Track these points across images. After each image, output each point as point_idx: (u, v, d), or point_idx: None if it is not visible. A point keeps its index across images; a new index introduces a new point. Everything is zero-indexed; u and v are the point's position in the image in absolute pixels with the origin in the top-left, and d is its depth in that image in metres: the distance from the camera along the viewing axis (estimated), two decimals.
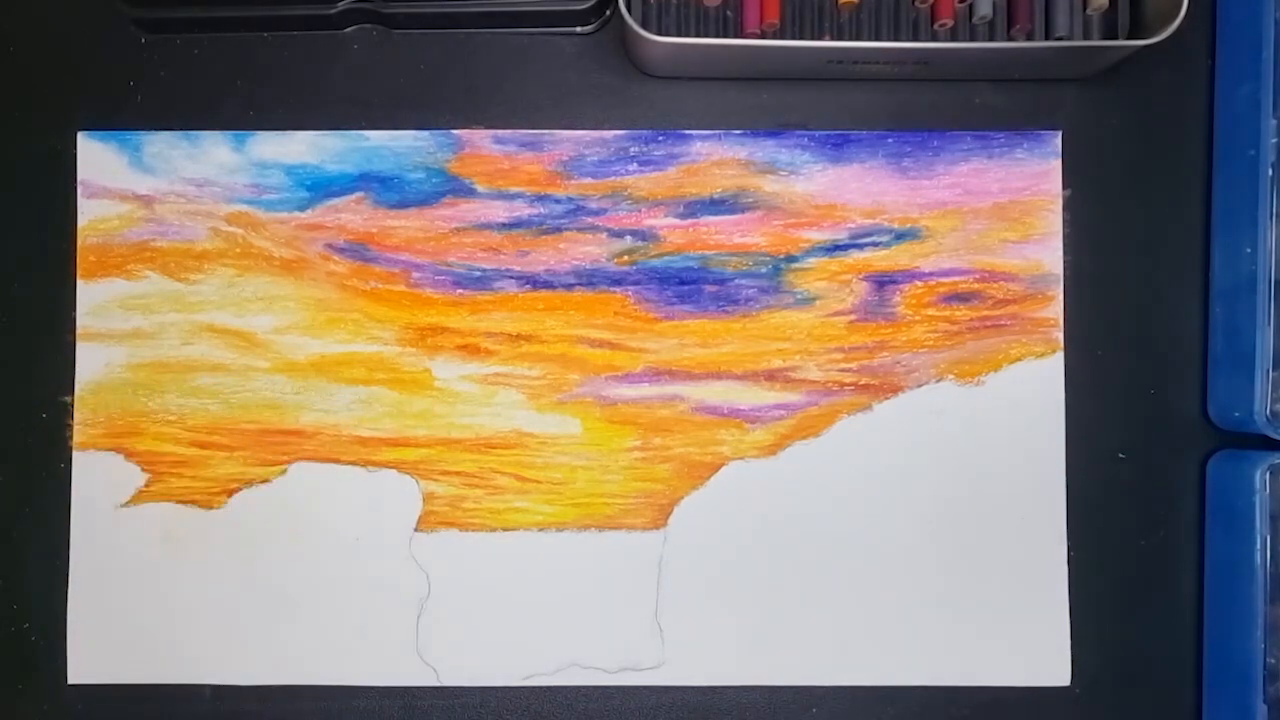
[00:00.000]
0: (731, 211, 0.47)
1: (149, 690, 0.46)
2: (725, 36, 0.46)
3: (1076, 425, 0.46)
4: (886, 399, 0.47)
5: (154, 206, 0.47)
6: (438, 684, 0.46)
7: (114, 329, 0.47)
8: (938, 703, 0.46)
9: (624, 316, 0.47)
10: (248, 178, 0.47)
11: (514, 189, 0.47)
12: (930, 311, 0.47)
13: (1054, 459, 0.46)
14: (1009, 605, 0.46)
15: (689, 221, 0.47)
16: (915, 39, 0.46)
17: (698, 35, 0.46)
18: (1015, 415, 0.46)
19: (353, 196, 0.47)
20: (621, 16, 0.42)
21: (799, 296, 0.47)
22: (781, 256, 0.47)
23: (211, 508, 0.47)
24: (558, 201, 0.47)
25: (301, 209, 0.47)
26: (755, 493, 0.46)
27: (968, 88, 0.47)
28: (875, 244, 0.47)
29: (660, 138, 0.47)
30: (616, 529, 0.46)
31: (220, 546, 0.46)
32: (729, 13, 0.46)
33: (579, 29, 0.47)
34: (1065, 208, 0.47)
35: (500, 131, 0.47)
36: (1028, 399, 0.46)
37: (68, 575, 0.46)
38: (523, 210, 0.47)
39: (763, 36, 0.45)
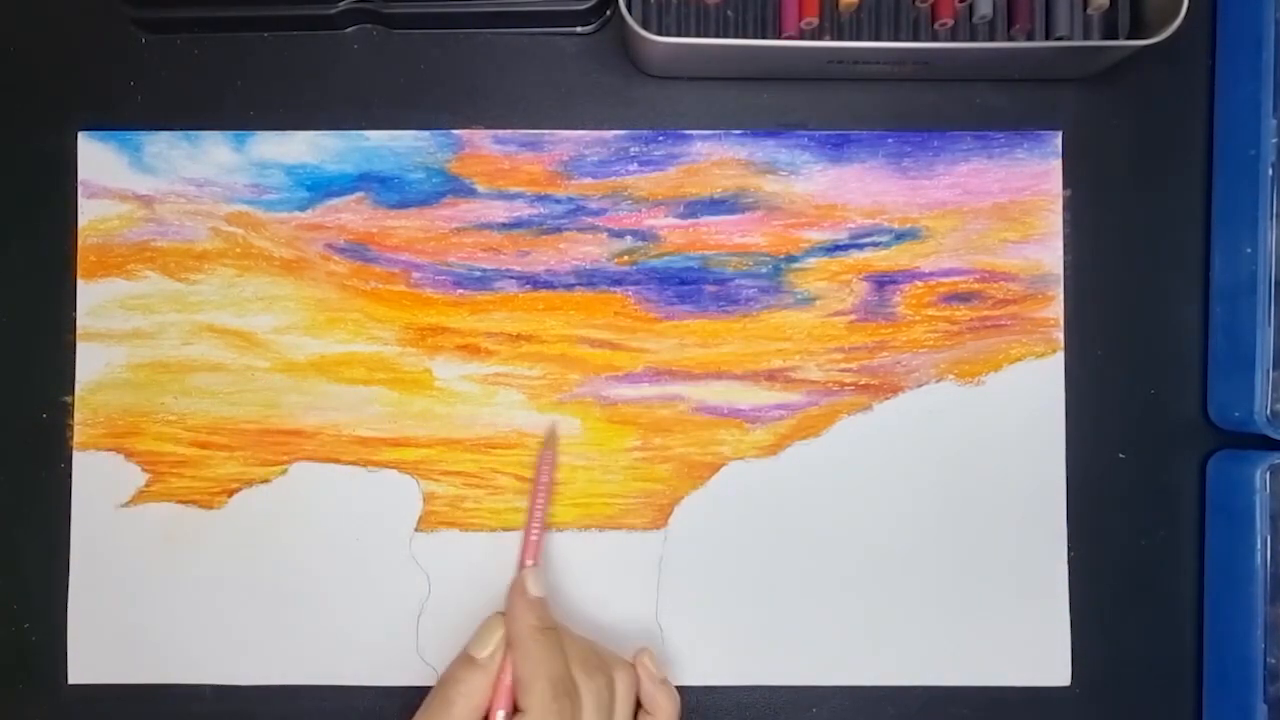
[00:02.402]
0: (731, 211, 0.47)
1: (149, 690, 0.46)
2: (725, 36, 0.46)
3: (1076, 425, 0.46)
4: (886, 399, 0.47)
5: (154, 206, 0.47)
6: None
7: (114, 329, 0.47)
8: (938, 703, 0.46)
9: (624, 316, 0.47)
10: (248, 178, 0.47)
11: (514, 189, 0.47)
12: (930, 311, 0.47)
13: (1054, 459, 0.46)
14: (1009, 605, 0.46)
15: (689, 221, 0.47)
16: (915, 39, 0.46)
17: (698, 35, 0.46)
18: (1015, 415, 0.46)
19: (353, 196, 0.47)
20: (621, 16, 0.42)
21: (799, 296, 0.47)
22: (781, 256, 0.47)
23: (211, 508, 0.46)
24: (558, 201, 0.47)
25: (301, 209, 0.47)
26: (755, 493, 0.46)
27: (968, 88, 0.47)
28: (875, 244, 0.47)
29: (660, 138, 0.47)
30: (616, 529, 0.46)
31: (220, 546, 0.46)
32: (729, 12, 0.46)
33: (579, 29, 0.47)
34: (1065, 208, 0.47)
35: (500, 131, 0.47)
36: (1028, 399, 0.46)
37: (68, 575, 0.46)
38: (523, 210, 0.47)
39: (802, 36, 0.45)
